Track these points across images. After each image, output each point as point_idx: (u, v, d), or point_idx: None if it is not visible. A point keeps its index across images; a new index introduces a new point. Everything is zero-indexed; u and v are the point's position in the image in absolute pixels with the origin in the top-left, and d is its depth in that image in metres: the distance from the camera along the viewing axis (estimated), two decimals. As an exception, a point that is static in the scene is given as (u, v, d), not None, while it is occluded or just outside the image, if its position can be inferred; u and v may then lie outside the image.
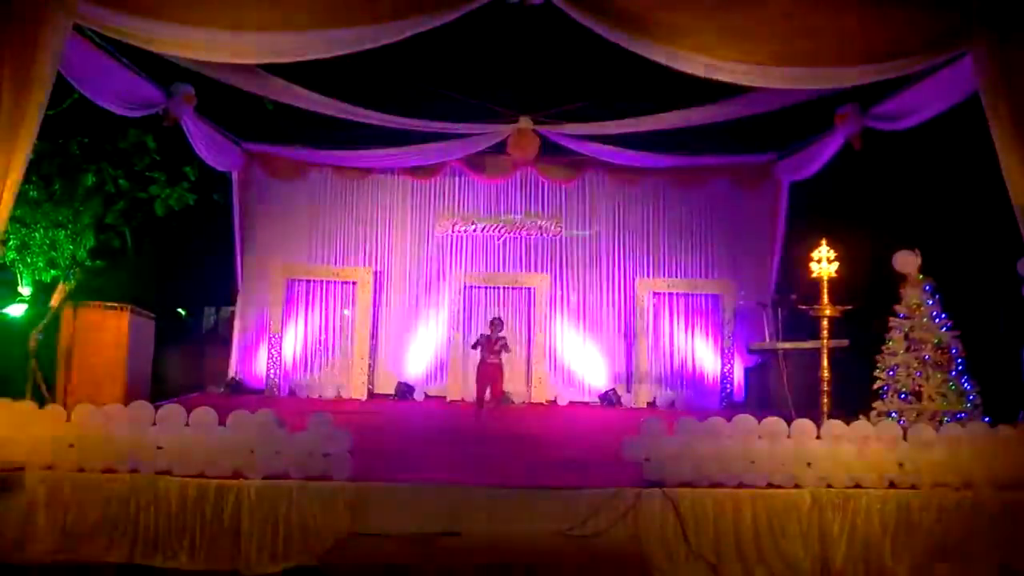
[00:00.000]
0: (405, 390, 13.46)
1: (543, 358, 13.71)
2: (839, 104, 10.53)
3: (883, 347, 9.17)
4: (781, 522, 5.97)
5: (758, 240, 14.07)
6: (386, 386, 13.72)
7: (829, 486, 6.12)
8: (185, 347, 14.09)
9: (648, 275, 14.12)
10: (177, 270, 13.71)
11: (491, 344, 10.28)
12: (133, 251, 12.20)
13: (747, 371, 13.11)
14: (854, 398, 9.19)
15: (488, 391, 10.29)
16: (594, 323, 14.13)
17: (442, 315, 13.96)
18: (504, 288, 14.12)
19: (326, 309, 14.01)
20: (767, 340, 11.87)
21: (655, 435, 6.33)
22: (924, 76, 8.64)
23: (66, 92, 9.26)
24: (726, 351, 13.51)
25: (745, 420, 6.42)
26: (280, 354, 13.46)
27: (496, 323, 10.57)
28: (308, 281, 13.97)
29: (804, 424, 6.39)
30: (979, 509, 6.13)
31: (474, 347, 10.60)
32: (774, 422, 6.40)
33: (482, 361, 10.36)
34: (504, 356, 10.45)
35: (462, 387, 13.19)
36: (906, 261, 9.21)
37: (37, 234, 10.42)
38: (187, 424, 6.19)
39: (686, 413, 11.62)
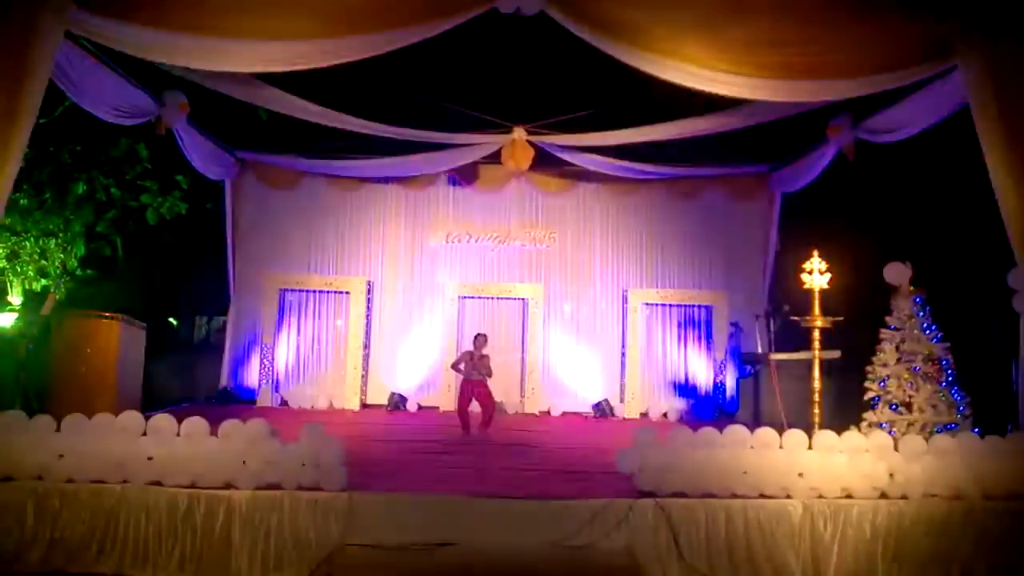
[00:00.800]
0: (398, 401, 13.42)
1: (536, 368, 13.70)
2: (832, 116, 10.59)
3: (874, 358, 9.20)
4: (773, 532, 5.98)
5: (751, 251, 14.11)
6: (379, 397, 13.66)
7: (821, 496, 6.13)
8: (176, 357, 14.04)
9: (641, 285, 14.13)
10: (169, 279, 13.68)
11: (474, 362, 10.03)
12: (124, 260, 12.18)
13: (739, 382, 13.11)
14: (845, 409, 9.22)
15: (479, 411, 10.10)
16: (587, 333, 14.13)
17: (435, 325, 13.94)
18: (497, 299, 14.11)
19: (319, 319, 13.98)
20: (760, 351, 11.89)
21: (648, 446, 6.34)
22: (916, 89, 8.69)
23: (58, 100, 9.26)
24: (719, 362, 13.53)
25: (737, 431, 6.43)
26: (272, 364, 13.41)
27: (480, 339, 10.20)
28: (301, 291, 13.93)
29: (796, 435, 6.40)
30: (969, 519, 6.15)
31: (455, 367, 10.23)
32: (766, 433, 6.42)
33: (465, 380, 10.10)
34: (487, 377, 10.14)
35: (455, 398, 13.11)
36: (897, 272, 9.25)
37: (27, 243, 10.40)
38: (178, 434, 6.16)
39: (679, 424, 11.67)
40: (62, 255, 10.74)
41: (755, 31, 7.47)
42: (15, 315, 10.44)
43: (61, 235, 10.70)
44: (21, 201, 10.23)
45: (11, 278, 10.41)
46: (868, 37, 7.47)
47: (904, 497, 6.20)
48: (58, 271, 10.76)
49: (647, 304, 13.94)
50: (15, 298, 10.51)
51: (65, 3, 6.74)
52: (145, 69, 9.16)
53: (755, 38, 7.48)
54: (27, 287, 10.56)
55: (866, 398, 9.14)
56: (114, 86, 9.10)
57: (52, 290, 10.83)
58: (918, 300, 9.15)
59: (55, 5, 6.70)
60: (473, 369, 10.04)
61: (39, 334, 10.24)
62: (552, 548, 5.77)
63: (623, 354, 13.86)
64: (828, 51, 7.55)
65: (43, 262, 10.58)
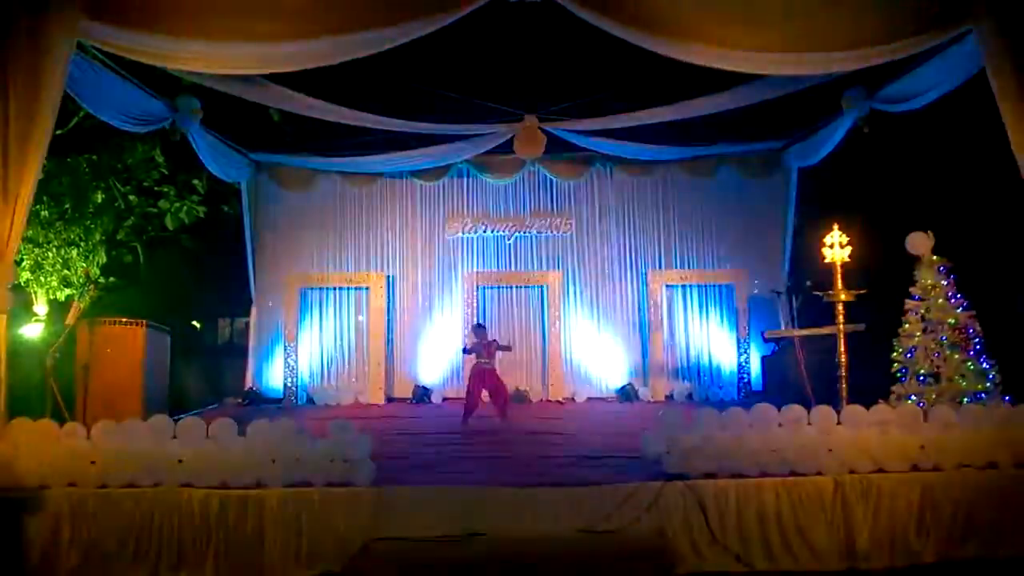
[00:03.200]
0: (422, 393, 13.49)
1: (559, 355, 13.72)
2: (846, 88, 10.48)
3: (900, 330, 9.12)
4: (805, 509, 5.94)
5: (770, 228, 14.03)
6: (404, 390, 13.75)
7: (852, 471, 6.07)
8: (201, 360, 14.17)
9: (661, 267, 14.09)
10: (190, 283, 13.78)
11: (487, 348, 10.11)
12: (146, 266, 12.29)
13: (764, 360, 13.07)
14: (873, 382, 9.14)
15: (491, 401, 10.12)
16: (608, 318, 14.11)
17: (456, 317, 13.97)
18: (517, 287, 14.13)
19: (340, 316, 14.05)
20: (783, 328, 11.83)
21: (674, 428, 6.31)
22: (930, 55, 8.58)
23: (73, 111, 9.33)
24: (742, 341, 13.48)
25: (764, 409, 6.40)
26: (297, 363, 13.51)
27: (479, 330, 10.37)
28: (321, 289, 14.01)
29: (824, 410, 6.36)
30: (1004, 488, 6.09)
31: (467, 352, 10.41)
32: (794, 410, 6.37)
33: (478, 366, 10.16)
34: (499, 356, 10.39)
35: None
36: (919, 242, 9.15)
37: (50, 253, 10.52)
38: (207, 436, 6.21)
39: (704, 404, 11.63)
40: (84, 264, 10.85)
41: (767, 5, 7.40)
42: (41, 325, 10.58)
43: (82, 244, 10.81)
44: (42, 213, 10.35)
45: (35, 289, 10.53)
46: (881, 4, 7.39)
47: (936, 469, 6.14)
48: (81, 280, 10.87)
49: (667, 285, 13.90)
50: (40, 308, 10.64)
51: (75, 15, 6.76)
52: (157, 75, 9.22)
53: (768, 12, 7.40)
54: (51, 297, 10.68)
55: (893, 370, 9.07)
56: (127, 94, 9.16)
57: (76, 299, 10.94)
58: (942, 269, 9.05)
59: (65, 17, 6.71)
60: (488, 356, 10.10)
61: (65, 343, 10.35)
62: (582, 534, 5.76)
63: (645, 337, 13.83)
64: (842, 21, 7.45)
65: (66, 272, 10.70)
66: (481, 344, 10.17)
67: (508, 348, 10.61)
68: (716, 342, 13.89)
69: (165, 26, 7.17)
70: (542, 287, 14.01)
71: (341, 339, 13.99)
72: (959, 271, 9.09)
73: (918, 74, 9.17)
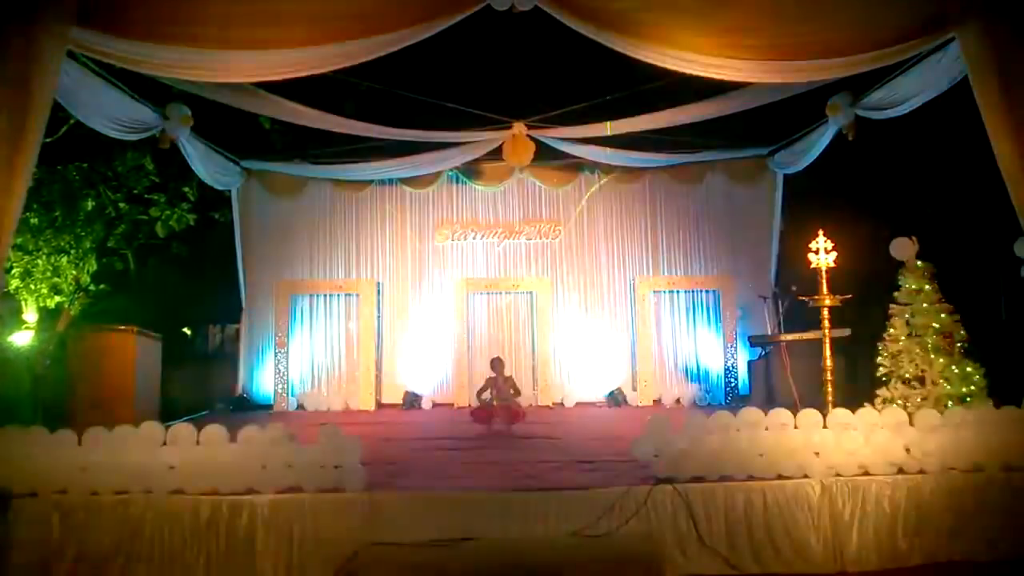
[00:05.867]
0: (412, 399, 13.50)
1: (548, 361, 13.77)
2: (830, 95, 10.57)
3: (885, 335, 9.21)
4: (792, 512, 6.00)
5: (756, 233, 14.11)
6: (393, 396, 13.75)
7: (838, 475, 6.13)
8: (192, 367, 14.15)
9: (648, 273, 14.17)
10: (181, 290, 13.77)
11: (500, 389, 9.82)
12: (136, 273, 12.29)
13: (751, 364, 13.14)
14: (858, 387, 9.24)
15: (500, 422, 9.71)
16: (597, 324, 14.16)
17: (446, 323, 14.00)
18: (506, 293, 14.17)
19: (331, 322, 14.05)
20: (769, 333, 11.91)
21: (663, 432, 6.37)
22: (915, 63, 8.67)
23: (62, 118, 9.35)
24: (729, 345, 13.56)
25: (751, 413, 6.45)
26: (287, 369, 13.51)
27: (497, 363, 10.07)
28: (311, 295, 14.01)
29: (810, 414, 6.42)
30: (990, 491, 6.16)
31: (480, 394, 10.03)
32: (780, 413, 6.43)
33: (490, 406, 9.78)
34: (516, 398, 9.94)
35: (468, 394, 13.18)
36: (903, 248, 9.26)
37: (40, 261, 10.52)
38: (198, 442, 6.22)
39: (692, 409, 11.68)
40: (74, 271, 10.85)
41: (749, 14, 7.48)
42: (31, 333, 10.56)
43: (72, 251, 10.81)
44: (32, 220, 10.36)
45: (25, 296, 10.52)
46: (864, 13, 7.47)
47: (922, 472, 6.20)
48: (71, 287, 10.88)
49: (655, 291, 13.97)
50: (30, 316, 10.62)
51: (66, 23, 6.79)
52: (147, 83, 9.23)
53: (749, 21, 7.47)
54: (41, 304, 10.67)
55: (879, 374, 9.16)
56: (117, 102, 9.16)
57: (66, 306, 10.94)
58: (926, 274, 9.15)
59: (56, 26, 6.74)
60: (498, 396, 9.84)
61: (55, 350, 10.35)
62: (572, 538, 5.80)
63: (634, 342, 13.90)
64: (824, 30, 7.53)
65: (56, 279, 10.69)
66: (491, 385, 9.89)
67: (517, 392, 10.04)
68: (703, 347, 13.96)
69: (156, 34, 7.20)
70: (531, 293, 14.06)
71: (331, 345, 13.99)
72: (943, 276, 9.20)
73: (902, 81, 9.25)
